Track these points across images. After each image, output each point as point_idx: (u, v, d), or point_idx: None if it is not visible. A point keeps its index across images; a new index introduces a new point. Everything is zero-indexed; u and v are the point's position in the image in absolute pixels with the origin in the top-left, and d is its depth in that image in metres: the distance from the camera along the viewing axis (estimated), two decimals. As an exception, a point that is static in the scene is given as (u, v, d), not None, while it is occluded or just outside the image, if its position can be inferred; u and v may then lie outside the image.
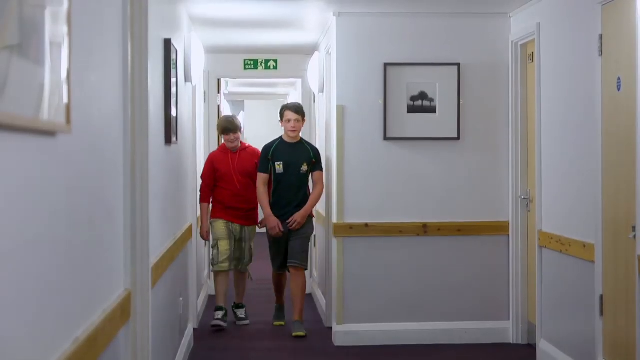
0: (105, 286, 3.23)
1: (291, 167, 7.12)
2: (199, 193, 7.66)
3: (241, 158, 7.46)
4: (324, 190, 7.26)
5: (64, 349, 2.48)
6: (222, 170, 7.41)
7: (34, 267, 2.21)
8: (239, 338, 7.15)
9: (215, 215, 7.46)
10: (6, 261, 1.94)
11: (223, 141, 7.60)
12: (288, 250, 7.17)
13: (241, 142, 7.63)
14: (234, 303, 7.74)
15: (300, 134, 7.34)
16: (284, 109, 7.29)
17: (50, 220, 2.37)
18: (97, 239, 3.07)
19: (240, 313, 7.68)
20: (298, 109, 7.22)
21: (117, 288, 3.49)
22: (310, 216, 7.26)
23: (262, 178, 7.21)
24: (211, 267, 7.50)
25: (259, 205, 7.37)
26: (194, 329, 7.25)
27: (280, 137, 7.30)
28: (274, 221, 7.12)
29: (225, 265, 7.35)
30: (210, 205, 7.55)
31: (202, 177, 7.56)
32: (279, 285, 7.61)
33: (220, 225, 7.40)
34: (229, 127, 7.46)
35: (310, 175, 7.20)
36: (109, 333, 3.11)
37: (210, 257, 7.52)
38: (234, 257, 7.46)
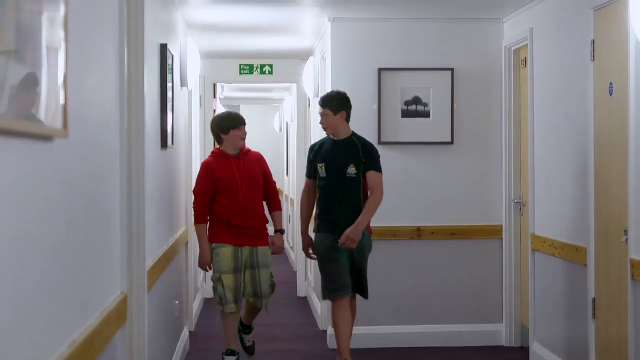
0: (102, 289, 3.26)
1: (334, 169, 5.74)
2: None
3: (246, 163, 5.90)
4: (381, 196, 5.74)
5: (60, 351, 2.50)
6: (225, 181, 5.79)
7: (31, 271, 2.23)
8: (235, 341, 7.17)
9: (218, 239, 5.81)
10: (3, 264, 1.96)
11: (224, 143, 5.94)
12: (350, 273, 5.74)
13: None
14: (240, 323, 6.19)
15: (343, 130, 5.77)
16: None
17: (47, 223, 2.39)
18: (93, 242, 3.10)
19: (248, 340, 6.28)
20: (324, 101, 5.85)
21: (114, 291, 3.52)
22: (366, 233, 5.70)
23: (306, 183, 5.98)
24: (219, 307, 5.87)
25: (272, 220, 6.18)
26: (190, 332, 7.27)
27: (329, 135, 5.97)
28: (304, 244, 5.97)
29: (234, 305, 5.81)
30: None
31: (195, 192, 5.91)
32: (343, 326, 5.71)
33: (226, 254, 5.79)
34: (237, 119, 5.95)
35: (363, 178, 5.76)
36: (105, 336, 3.13)
37: (216, 296, 5.85)
38: (248, 291, 5.89)
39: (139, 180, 4.07)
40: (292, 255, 11.91)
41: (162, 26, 5.39)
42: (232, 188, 5.80)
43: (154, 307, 4.71)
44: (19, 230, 2.10)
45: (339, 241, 5.57)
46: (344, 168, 5.71)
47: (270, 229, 6.14)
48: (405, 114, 6.81)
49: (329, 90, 6.92)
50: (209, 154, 9.55)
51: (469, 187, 6.85)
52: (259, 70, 9.51)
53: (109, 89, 3.42)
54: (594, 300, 5.12)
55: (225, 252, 5.79)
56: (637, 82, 4.48)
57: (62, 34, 2.40)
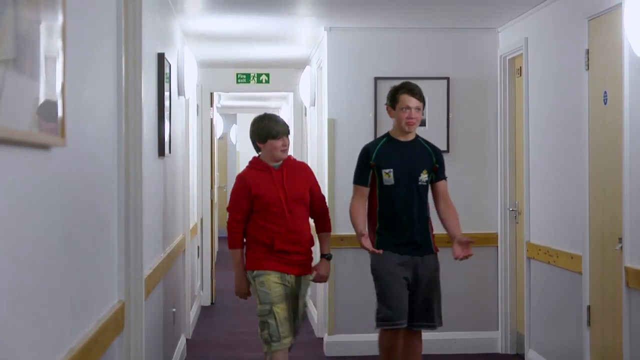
0: (99, 297, 3.27)
1: (407, 176, 4.96)
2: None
3: (290, 176, 4.92)
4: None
5: (58, 359, 2.52)
6: (266, 198, 4.85)
7: (29, 278, 2.24)
8: (231, 348, 7.19)
9: (260, 265, 4.88)
10: (1, 272, 1.98)
11: (262, 152, 4.99)
12: (415, 301, 4.95)
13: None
14: None
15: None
16: (396, 91, 5.02)
17: (44, 232, 2.41)
18: (91, 250, 3.11)
19: None
20: (419, 93, 5.00)
21: (111, 299, 3.53)
22: (434, 251, 5.06)
23: (360, 192, 5.03)
24: (264, 347, 4.84)
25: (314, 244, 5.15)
26: (187, 339, 7.29)
27: (387, 134, 5.13)
28: (367, 242, 4.94)
29: (289, 339, 4.88)
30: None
31: (230, 209, 4.97)
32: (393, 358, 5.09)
33: (272, 282, 4.85)
34: (278, 128, 4.92)
35: (430, 187, 5.09)
36: (102, 344, 3.14)
37: (264, 333, 4.82)
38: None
39: (136, 188, 4.09)
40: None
41: (159, 35, 5.42)
42: (274, 206, 4.84)
43: (151, 314, 4.73)
44: (16, 238, 2.11)
45: (456, 255, 4.94)
46: (417, 175, 4.98)
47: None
48: (401, 122, 6.83)
49: (325, 99, 6.96)
50: (206, 162, 9.67)
51: (465, 195, 6.87)
52: (255, 79, 9.54)
53: (106, 97, 3.44)
54: (588, 307, 5.14)
55: (272, 279, 4.83)
56: (631, 91, 4.51)
57: (60, 43, 2.41)
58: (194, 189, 8.36)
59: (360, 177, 5.04)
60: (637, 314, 4.48)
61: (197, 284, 8.89)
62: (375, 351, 6.78)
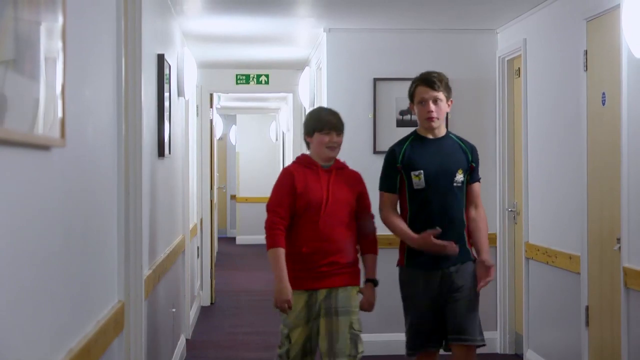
0: (99, 298, 3.28)
1: (440, 177, 4.32)
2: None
3: (338, 181, 4.36)
4: None
5: (58, 359, 2.53)
6: (309, 196, 4.29)
7: (28, 279, 2.25)
8: (231, 349, 7.20)
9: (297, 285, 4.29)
10: (1, 272, 1.99)
11: (310, 148, 4.47)
12: (449, 315, 4.34)
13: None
14: None
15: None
16: (412, 83, 4.42)
17: (44, 232, 2.42)
18: (91, 251, 3.12)
19: None
20: (436, 82, 4.35)
21: (111, 299, 3.54)
22: (473, 258, 4.43)
23: (389, 199, 4.40)
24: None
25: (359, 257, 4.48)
26: (187, 339, 7.30)
27: (414, 132, 4.49)
28: (436, 243, 4.25)
29: None
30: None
31: (270, 205, 4.34)
32: None
33: (296, 303, 4.26)
34: (327, 119, 4.40)
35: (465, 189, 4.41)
36: (102, 344, 3.15)
37: (280, 350, 4.35)
38: (323, 348, 4.30)
39: (135, 189, 4.10)
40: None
41: (159, 36, 5.43)
42: (314, 209, 4.27)
43: (151, 314, 4.74)
44: (16, 239, 2.12)
45: (478, 277, 4.33)
46: (451, 175, 4.35)
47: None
48: (400, 123, 6.85)
49: (324, 99, 6.97)
50: (205, 163, 9.68)
51: (464, 196, 6.88)
52: (255, 80, 9.55)
53: (106, 98, 3.46)
54: (587, 307, 5.16)
55: (295, 299, 4.24)
56: (629, 92, 4.53)
57: (60, 44, 2.43)
58: (193, 189, 8.37)
59: (386, 183, 4.41)
60: (635, 314, 4.49)
61: (197, 284, 8.90)
62: (374, 351, 6.81)
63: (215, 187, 10.68)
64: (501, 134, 6.82)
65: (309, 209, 4.28)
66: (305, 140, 4.50)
